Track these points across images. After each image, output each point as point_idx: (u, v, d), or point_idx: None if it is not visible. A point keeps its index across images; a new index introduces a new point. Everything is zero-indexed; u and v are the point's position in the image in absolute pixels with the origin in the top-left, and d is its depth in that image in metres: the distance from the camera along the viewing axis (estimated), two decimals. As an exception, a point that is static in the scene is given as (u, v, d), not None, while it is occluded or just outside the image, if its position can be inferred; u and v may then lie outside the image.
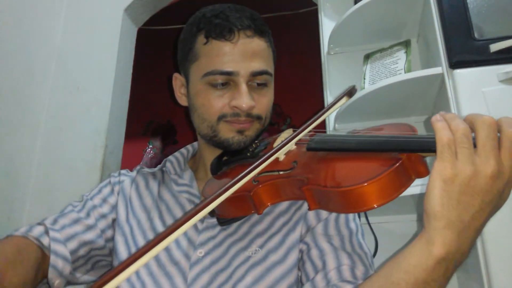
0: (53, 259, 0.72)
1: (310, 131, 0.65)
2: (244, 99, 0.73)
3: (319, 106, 1.57)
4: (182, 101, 0.85)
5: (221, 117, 0.76)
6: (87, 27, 1.88)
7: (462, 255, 0.48)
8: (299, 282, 0.70)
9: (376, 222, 1.38)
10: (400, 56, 1.39)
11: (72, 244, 0.75)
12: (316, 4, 1.80)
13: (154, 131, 2.78)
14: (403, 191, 0.50)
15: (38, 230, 0.74)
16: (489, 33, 1.12)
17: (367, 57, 1.52)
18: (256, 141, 0.79)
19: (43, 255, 0.72)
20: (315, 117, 0.64)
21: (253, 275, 0.69)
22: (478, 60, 1.09)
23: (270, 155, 0.59)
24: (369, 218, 1.30)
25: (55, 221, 0.78)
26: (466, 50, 1.10)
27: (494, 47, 1.07)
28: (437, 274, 0.47)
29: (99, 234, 0.80)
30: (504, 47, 1.06)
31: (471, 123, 0.48)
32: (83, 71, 1.80)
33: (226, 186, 0.54)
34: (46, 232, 0.74)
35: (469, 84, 1.08)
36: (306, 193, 0.56)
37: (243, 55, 0.74)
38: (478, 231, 0.48)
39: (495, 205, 0.48)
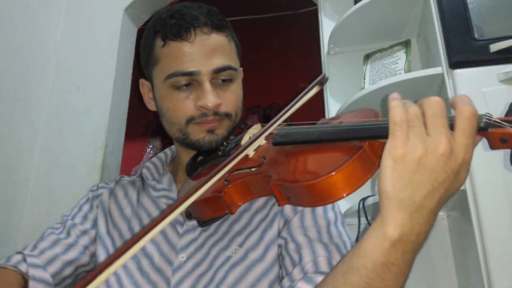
0: (32, 284, 0.71)
1: (279, 124, 0.64)
2: (209, 98, 0.72)
3: (318, 106, 1.57)
4: (151, 106, 0.84)
5: (190, 120, 0.74)
6: (87, 27, 1.88)
7: (418, 236, 0.47)
8: (280, 278, 0.69)
9: (376, 222, 1.38)
10: (400, 56, 1.39)
11: (54, 267, 0.75)
12: (316, 4, 1.80)
13: (154, 131, 2.78)
14: (370, 177, 0.50)
15: (15, 259, 0.75)
16: (489, 33, 1.12)
17: (367, 57, 1.52)
18: (228, 139, 0.77)
19: (25, 281, 0.72)
20: (284, 110, 0.62)
21: (234, 275, 0.68)
22: (478, 60, 1.09)
23: (238, 153, 0.59)
24: (369, 218, 1.30)
25: (34, 247, 0.78)
26: (466, 50, 1.10)
27: (494, 47, 1.07)
28: (395, 257, 0.46)
29: (82, 251, 0.79)
30: (504, 47, 1.06)
31: (420, 106, 0.48)
32: (83, 71, 1.80)
33: (196, 186, 0.53)
34: (24, 259, 0.75)
35: (469, 84, 1.08)
36: (274, 189, 0.55)
37: (203, 53, 0.73)
38: (433, 212, 0.47)
39: (450, 186, 0.46)
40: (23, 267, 0.73)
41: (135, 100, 1.92)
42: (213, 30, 0.75)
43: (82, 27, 1.88)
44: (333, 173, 0.48)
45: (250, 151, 0.65)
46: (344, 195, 0.49)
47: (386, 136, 0.48)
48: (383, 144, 0.50)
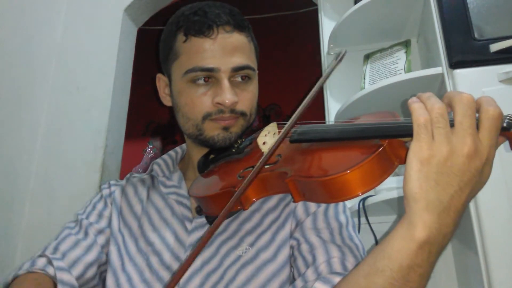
0: None
1: (294, 124, 0.63)
2: (227, 95, 0.73)
3: (318, 106, 1.57)
4: (167, 101, 0.85)
5: (206, 116, 0.75)
6: (87, 27, 1.88)
7: (444, 237, 0.47)
8: (291, 279, 0.70)
9: (376, 222, 1.38)
10: (400, 56, 1.39)
11: (77, 270, 0.75)
12: (316, 4, 1.80)
13: (154, 131, 2.78)
14: (387, 177, 0.50)
15: (41, 262, 0.74)
16: (489, 33, 1.12)
17: (367, 57, 1.52)
18: (242, 138, 0.78)
19: (54, 285, 0.72)
20: (302, 105, 0.61)
21: (245, 274, 0.68)
22: (478, 60, 1.09)
23: (267, 155, 0.58)
24: (369, 218, 1.30)
25: (55, 250, 0.77)
26: (466, 50, 1.10)
27: (494, 47, 1.07)
28: (421, 258, 0.47)
29: (100, 251, 0.79)
30: (504, 47, 1.06)
31: (449, 101, 0.48)
32: (83, 71, 1.80)
33: (234, 196, 0.52)
34: (49, 262, 0.74)
35: (469, 84, 1.08)
36: (290, 185, 0.55)
37: (223, 50, 0.73)
38: (459, 212, 0.47)
39: (475, 185, 0.47)
40: (50, 271, 0.73)
41: (135, 100, 1.92)
42: (235, 29, 0.76)
43: (82, 27, 1.88)
44: (351, 170, 0.48)
45: (266, 149, 0.65)
46: (360, 193, 0.49)
47: (406, 135, 0.48)
48: (403, 144, 0.50)
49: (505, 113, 0.48)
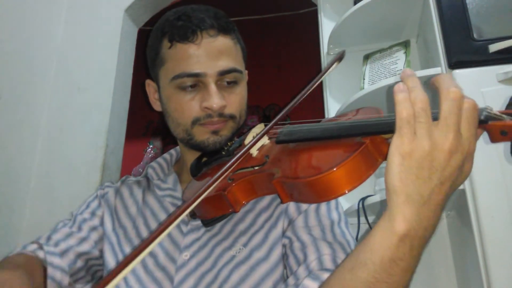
0: (50, 270, 0.72)
1: (280, 123, 0.64)
2: (214, 99, 0.73)
3: (318, 106, 1.58)
4: (157, 106, 0.85)
5: (195, 121, 0.75)
6: (87, 28, 1.88)
7: (425, 230, 0.47)
8: (285, 277, 0.70)
9: (376, 222, 1.39)
10: (400, 57, 1.40)
11: (68, 258, 0.76)
12: (316, 5, 1.80)
13: (155, 131, 2.78)
14: (371, 174, 0.50)
15: (32, 247, 0.76)
16: (488, 33, 1.13)
17: (367, 57, 1.52)
18: (232, 140, 0.78)
19: (44, 267, 0.73)
20: (286, 108, 0.63)
21: (239, 274, 0.69)
22: (477, 61, 1.09)
23: (242, 153, 0.59)
24: (369, 218, 1.31)
25: (48, 239, 0.78)
26: (465, 50, 1.11)
27: (493, 47, 1.07)
28: (402, 252, 0.47)
29: (93, 245, 0.80)
30: (503, 47, 1.06)
31: (436, 88, 0.47)
32: (84, 72, 1.81)
33: (203, 188, 0.53)
34: (40, 247, 0.75)
35: (468, 84, 1.08)
36: (277, 186, 0.55)
37: (209, 55, 0.74)
38: (440, 206, 0.47)
39: (455, 180, 0.47)
40: (40, 254, 0.74)
41: (135, 100, 1.93)
42: (220, 32, 0.76)
43: (82, 28, 1.88)
44: (335, 169, 0.49)
45: (254, 150, 0.66)
46: (346, 191, 0.50)
47: (388, 132, 0.49)
48: (386, 140, 0.50)
49: (482, 106, 0.48)
